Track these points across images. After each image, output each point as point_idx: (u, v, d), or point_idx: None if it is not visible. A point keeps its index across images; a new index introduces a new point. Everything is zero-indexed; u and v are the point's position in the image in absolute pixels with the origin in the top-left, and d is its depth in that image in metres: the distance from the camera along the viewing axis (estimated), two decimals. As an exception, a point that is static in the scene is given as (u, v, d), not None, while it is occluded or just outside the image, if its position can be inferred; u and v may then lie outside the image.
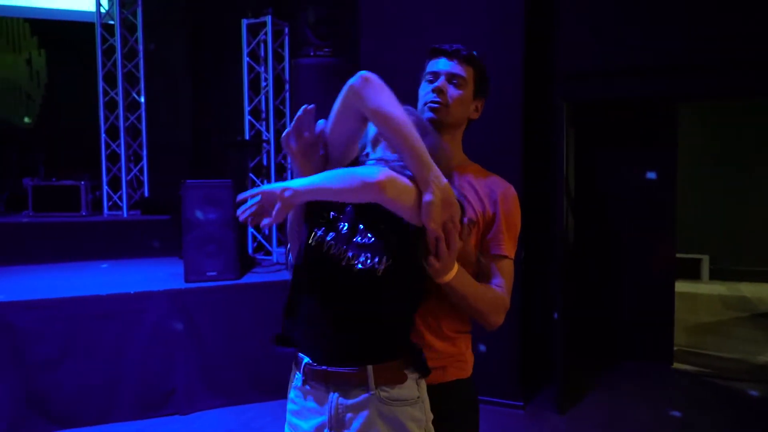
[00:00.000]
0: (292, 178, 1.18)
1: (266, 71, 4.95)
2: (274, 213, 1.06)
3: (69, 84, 6.35)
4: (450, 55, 1.44)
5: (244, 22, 4.87)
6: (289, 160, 5.07)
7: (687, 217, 6.21)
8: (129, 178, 5.31)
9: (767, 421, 3.40)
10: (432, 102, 1.40)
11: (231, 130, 5.14)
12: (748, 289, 6.77)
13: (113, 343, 3.28)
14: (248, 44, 4.90)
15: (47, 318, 3.16)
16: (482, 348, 3.30)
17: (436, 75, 1.44)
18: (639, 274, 4.37)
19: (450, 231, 1.11)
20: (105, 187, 5.26)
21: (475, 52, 1.46)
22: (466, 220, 1.17)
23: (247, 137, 4.92)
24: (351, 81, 1.11)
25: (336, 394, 1.14)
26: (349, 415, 1.13)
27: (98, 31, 5.24)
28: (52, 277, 3.93)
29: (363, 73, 1.10)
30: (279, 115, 5.06)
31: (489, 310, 1.31)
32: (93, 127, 5.29)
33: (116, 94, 5.18)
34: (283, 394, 1.54)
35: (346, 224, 1.17)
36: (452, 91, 1.42)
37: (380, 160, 1.22)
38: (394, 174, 1.06)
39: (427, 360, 1.18)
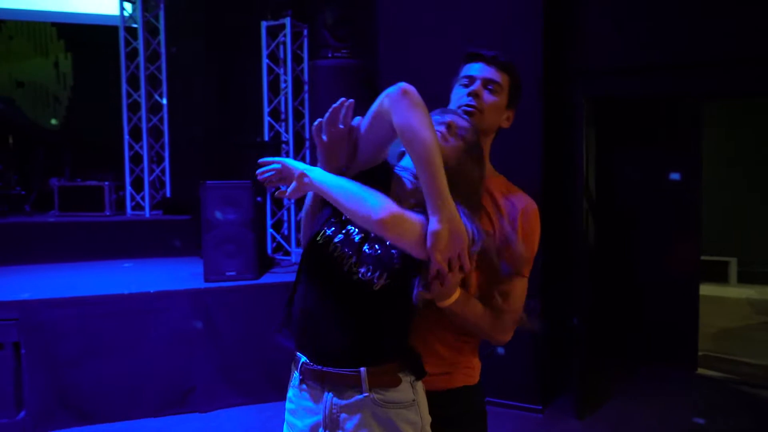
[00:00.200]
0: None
1: (285, 73, 4.99)
2: (289, 190, 1.17)
3: (94, 86, 6.48)
4: (488, 61, 1.41)
5: (264, 24, 4.91)
6: (308, 159, 5.12)
7: (714, 219, 6.07)
8: (151, 178, 5.40)
9: (795, 428, 3.32)
10: (467, 106, 1.38)
11: (251, 131, 5.19)
12: (777, 293, 6.61)
13: (135, 341, 3.34)
14: (268, 46, 4.94)
15: (73, 316, 3.24)
16: (500, 351, 3.27)
17: (471, 79, 1.41)
18: (662, 276, 4.29)
19: (454, 265, 1.08)
20: (128, 188, 5.36)
21: (511, 59, 1.43)
22: (477, 248, 1.12)
23: (266, 138, 4.96)
24: (389, 89, 1.10)
25: (331, 394, 1.15)
26: (343, 415, 1.14)
27: (122, 34, 5.34)
28: (77, 276, 4.01)
29: (402, 85, 1.09)
30: (298, 116, 5.09)
31: (492, 330, 1.29)
32: (117, 129, 5.39)
33: (139, 96, 5.26)
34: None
35: (358, 229, 1.17)
36: (487, 97, 1.39)
37: (406, 169, 1.22)
38: (400, 211, 1.06)
39: (435, 365, 1.18)
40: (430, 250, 1.04)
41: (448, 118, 1.25)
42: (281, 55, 5.01)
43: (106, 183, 5.15)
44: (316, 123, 1.21)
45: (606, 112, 3.99)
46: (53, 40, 6.74)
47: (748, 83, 3.26)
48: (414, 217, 1.07)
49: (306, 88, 5.04)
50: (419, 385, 1.18)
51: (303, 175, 1.17)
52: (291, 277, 3.87)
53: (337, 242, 1.17)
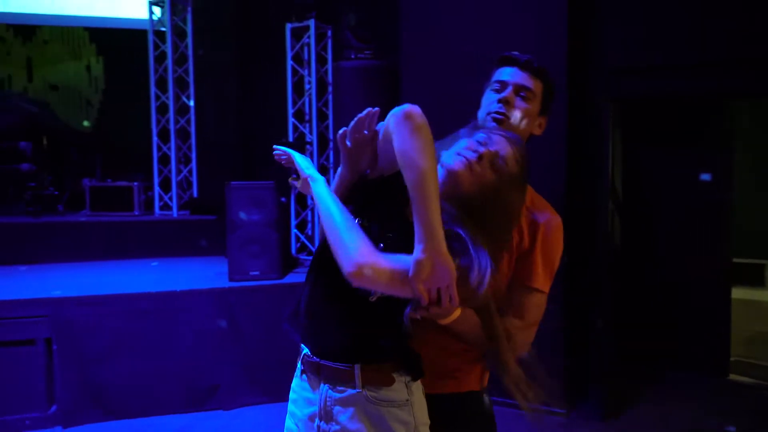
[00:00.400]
0: (334, 174, 1.25)
1: (309, 74, 5.02)
2: (298, 184, 1.26)
3: (124, 89, 6.64)
4: (522, 66, 1.37)
5: (288, 26, 4.96)
6: (331, 160, 5.15)
7: (748, 221, 5.88)
8: (179, 179, 5.50)
9: (832, 438, 3.20)
10: (497, 113, 1.35)
11: (276, 132, 5.24)
12: (814, 297, 6.37)
13: (161, 338, 3.41)
14: (292, 48, 4.98)
15: (102, 313, 3.32)
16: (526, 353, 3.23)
17: (503, 85, 1.38)
18: (691, 279, 4.18)
19: (441, 296, 1.03)
20: (156, 188, 5.47)
21: (546, 66, 1.39)
22: (483, 288, 1.07)
23: (290, 139, 5.00)
24: (395, 110, 1.08)
25: (326, 387, 1.18)
26: (337, 408, 1.16)
27: (150, 38, 5.45)
28: (106, 274, 4.11)
29: (406, 108, 1.06)
30: (322, 117, 5.12)
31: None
32: (146, 130, 5.51)
33: (167, 98, 5.37)
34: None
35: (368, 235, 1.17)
36: (519, 104, 1.36)
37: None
38: (369, 262, 1.03)
39: (442, 369, 1.17)
40: (411, 279, 1.01)
41: (484, 147, 1.16)
42: (305, 56, 5.05)
43: (135, 183, 5.26)
44: (341, 131, 1.23)
45: (634, 112, 3.91)
46: (86, 45, 6.93)
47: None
48: (387, 264, 1.04)
49: (330, 89, 5.07)
50: (416, 385, 1.18)
51: (309, 177, 1.22)
52: (313, 278, 3.93)
53: None
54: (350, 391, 1.15)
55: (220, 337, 3.50)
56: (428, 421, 1.19)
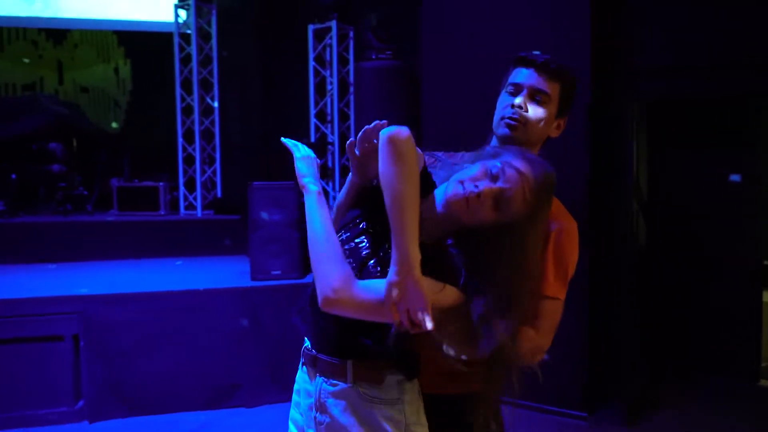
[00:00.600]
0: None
1: (331, 75, 5.05)
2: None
3: (151, 91, 6.78)
4: (538, 67, 1.31)
5: (311, 27, 4.99)
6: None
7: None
8: (203, 179, 5.58)
9: None
10: (510, 119, 1.31)
11: (299, 132, 5.29)
12: None
13: (185, 336, 3.46)
14: (314, 49, 5.02)
15: (128, 311, 3.38)
16: (545, 356, 3.20)
17: (518, 88, 1.33)
18: (720, 281, 4.08)
19: (413, 319, 1.03)
20: (181, 188, 5.56)
21: (566, 64, 1.33)
22: (477, 320, 1.06)
23: (312, 140, 5.03)
24: (384, 131, 1.08)
25: (322, 379, 1.22)
26: (330, 400, 1.20)
27: (176, 40, 5.55)
28: (132, 272, 4.20)
29: (392, 131, 1.05)
30: (343, 117, 5.15)
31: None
32: (171, 131, 5.61)
33: (192, 99, 5.45)
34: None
35: (368, 243, 1.19)
36: (534, 108, 1.31)
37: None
38: (351, 292, 1.05)
39: (448, 370, 1.16)
40: (384, 301, 1.03)
41: (489, 183, 1.09)
42: (327, 57, 5.08)
43: (161, 183, 5.36)
44: (349, 141, 1.25)
45: (660, 113, 3.84)
46: (114, 48, 7.08)
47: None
48: (362, 294, 1.06)
49: (351, 89, 5.09)
50: (409, 385, 1.19)
51: (304, 186, 1.24)
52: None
53: (347, 249, 1.19)
54: (342, 386, 1.18)
55: (242, 336, 3.54)
56: (423, 422, 1.20)
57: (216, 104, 5.56)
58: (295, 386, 1.34)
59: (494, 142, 1.40)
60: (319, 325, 1.22)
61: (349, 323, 1.14)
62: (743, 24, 3.06)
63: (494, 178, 1.09)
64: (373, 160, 1.22)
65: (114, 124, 7.12)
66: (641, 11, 3.34)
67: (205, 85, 5.59)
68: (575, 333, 3.22)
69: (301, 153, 1.32)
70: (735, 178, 4.00)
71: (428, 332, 1.03)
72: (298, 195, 3.84)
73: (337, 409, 1.18)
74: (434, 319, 1.03)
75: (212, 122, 5.61)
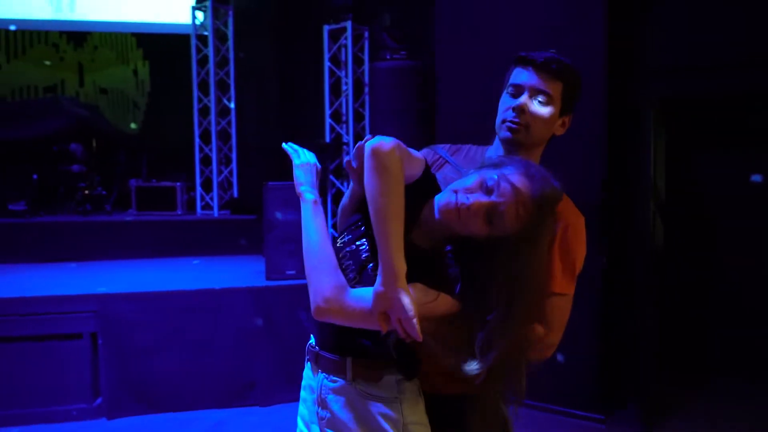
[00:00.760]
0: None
1: (346, 75, 5.06)
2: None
3: (168, 92, 6.86)
4: (538, 67, 1.27)
5: (326, 28, 5.01)
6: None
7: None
8: (220, 179, 5.63)
9: None
10: (511, 122, 1.29)
11: (315, 132, 5.30)
12: None
13: (200, 335, 3.49)
14: (329, 49, 5.03)
15: (144, 310, 3.43)
16: (560, 358, 3.17)
17: (518, 89, 1.29)
18: (741, 282, 4.00)
19: (402, 327, 1.04)
20: (198, 188, 5.62)
21: (568, 61, 1.30)
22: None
23: (327, 140, 5.05)
24: (368, 143, 1.08)
25: (323, 375, 1.24)
26: (330, 396, 1.22)
27: (193, 42, 5.60)
28: (150, 271, 4.25)
29: (375, 143, 1.05)
30: (358, 117, 5.15)
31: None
32: (188, 132, 5.67)
33: (209, 100, 5.51)
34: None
35: (368, 246, 1.20)
36: (535, 109, 1.28)
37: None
38: (343, 302, 1.08)
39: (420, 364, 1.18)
40: (371, 309, 1.05)
41: (480, 196, 1.07)
42: (343, 57, 5.09)
43: (178, 184, 5.42)
44: (347, 159, 1.27)
45: (679, 112, 3.77)
46: (133, 49, 7.18)
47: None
48: (352, 304, 1.08)
49: (366, 89, 5.09)
50: (409, 384, 1.20)
51: (300, 193, 1.26)
52: (348, 277, 3.96)
53: (348, 252, 1.21)
54: (341, 382, 1.20)
55: (257, 335, 3.56)
56: (424, 421, 1.21)
57: (232, 105, 5.61)
58: (303, 382, 1.36)
59: (497, 142, 1.39)
60: (322, 323, 1.23)
61: (352, 329, 1.15)
62: (763, 21, 3.00)
63: (489, 191, 1.07)
64: None
65: (133, 125, 7.22)
66: (658, 9, 3.29)
67: (222, 86, 5.63)
68: (592, 335, 3.19)
69: (300, 160, 1.33)
70: (756, 178, 3.92)
71: (424, 341, 1.04)
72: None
73: (336, 405, 1.20)
74: (428, 328, 1.04)
75: (229, 123, 5.65)
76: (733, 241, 4.05)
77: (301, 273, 3.78)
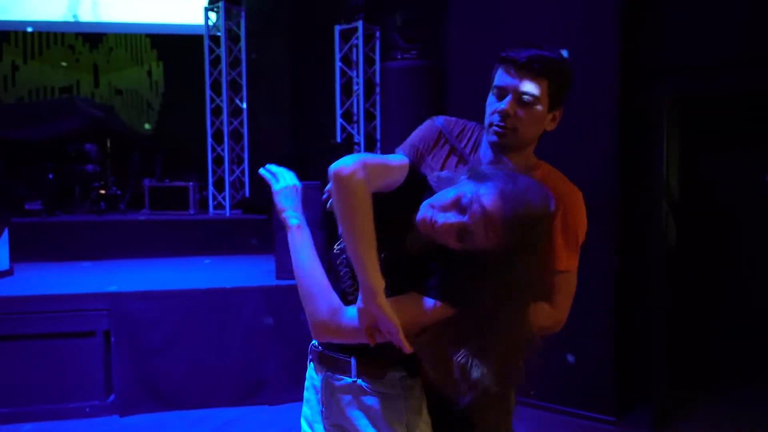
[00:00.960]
0: None
1: (358, 75, 5.06)
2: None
3: (182, 92, 6.92)
4: (520, 67, 1.24)
5: (337, 28, 5.02)
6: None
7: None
8: (232, 179, 5.67)
9: None
10: (497, 126, 1.27)
11: (326, 132, 5.32)
12: None
13: (212, 334, 3.52)
14: (341, 49, 5.04)
15: (157, 308, 3.46)
16: (571, 359, 3.14)
17: (502, 91, 1.27)
18: (751, 283, 3.94)
19: (389, 339, 1.07)
20: (210, 188, 5.66)
21: (552, 55, 1.27)
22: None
23: (338, 140, 5.06)
24: (330, 167, 1.06)
25: (328, 374, 1.25)
26: (336, 395, 1.23)
27: (206, 42, 5.65)
28: (162, 270, 4.29)
29: (337, 167, 1.03)
30: (369, 117, 5.16)
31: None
32: (201, 132, 5.71)
33: (221, 101, 5.54)
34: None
35: None
36: (521, 112, 1.26)
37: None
38: (339, 324, 1.11)
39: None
40: (359, 324, 1.09)
41: (449, 214, 1.06)
42: (354, 57, 5.09)
43: (191, 183, 5.47)
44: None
45: (692, 111, 3.72)
46: (147, 50, 7.26)
47: None
48: (347, 322, 1.11)
49: (377, 89, 5.09)
50: (412, 381, 1.21)
51: (287, 218, 1.26)
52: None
53: (344, 258, 1.22)
54: (346, 380, 1.21)
55: (267, 334, 3.58)
56: (426, 419, 1.22)
57: (244, 105, 5.64)
58: (306, 383, 1.37)
59: (485, 143, 1.38)
60: None
61: None
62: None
63: (462, 210, 1.06)
64: None
65: (147, 126, 7.30)
66: (670, 8, 3.25)
67: (234, 87, 5.67)
68: (603, 336, 3.16)
69: (279, 185, 1.31)
70: (770, 177, 3.86)
71: (423, 352, 1.08)
72: (321, 194, 3.85)
73: (341, 403, 1.21)
74: (419, 339, 1.08)
75: (241, 123, 5.69)
76: (747, 240, 3.99)
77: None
